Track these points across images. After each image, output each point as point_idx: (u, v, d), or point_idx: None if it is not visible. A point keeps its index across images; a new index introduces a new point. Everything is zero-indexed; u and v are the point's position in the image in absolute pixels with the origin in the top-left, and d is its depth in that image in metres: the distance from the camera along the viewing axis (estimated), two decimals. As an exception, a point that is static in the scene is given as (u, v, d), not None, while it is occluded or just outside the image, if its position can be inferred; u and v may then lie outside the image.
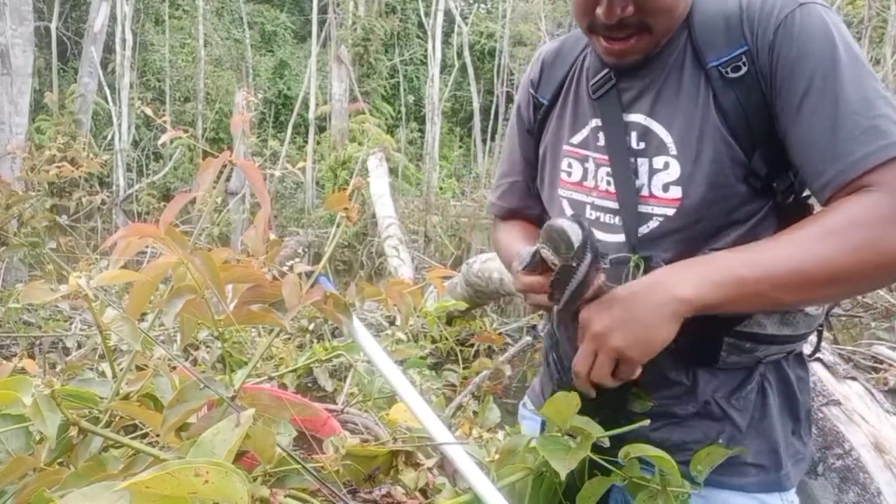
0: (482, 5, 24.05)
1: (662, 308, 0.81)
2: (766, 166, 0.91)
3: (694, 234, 0.94)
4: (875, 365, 3.44)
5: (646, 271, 0.92)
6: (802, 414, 1.05)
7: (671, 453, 0.83)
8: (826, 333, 1.11)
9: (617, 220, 0.99)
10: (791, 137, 0.88)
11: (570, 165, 1.07)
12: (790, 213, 0.93)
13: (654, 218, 0.96)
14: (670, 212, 0.94)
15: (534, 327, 4.46)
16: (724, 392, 0.98)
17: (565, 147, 1.08)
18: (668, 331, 0.82)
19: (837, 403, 2.27)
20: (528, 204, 1.22)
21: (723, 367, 0.97)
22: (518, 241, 1.14)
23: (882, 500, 2.00)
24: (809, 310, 0.94)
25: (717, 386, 0.98)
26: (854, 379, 2.46)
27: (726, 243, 0.92)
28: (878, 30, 12.62)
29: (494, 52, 20.40)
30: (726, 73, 0.91)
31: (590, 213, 1.03)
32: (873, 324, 5.70)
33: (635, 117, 0.99)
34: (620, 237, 0.98)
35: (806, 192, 0.96)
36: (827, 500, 2.04)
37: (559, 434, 0.84)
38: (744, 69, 0.90)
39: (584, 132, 1.06)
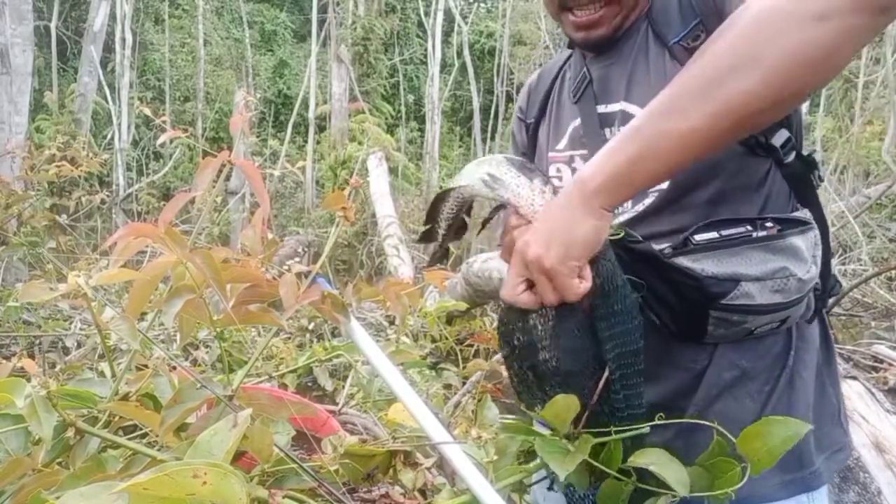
0: (482, 4, 24.05)
1: (574, 200, 0.76)
2: None
3: (697, 200, 0.94)
4: (875, 364, 3.44)
5: (631, 244, 0.87)
6: (840, 394, 1.01)
7: (687, 459, 0.77)
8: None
9: None
10: None
11: (558, 170, 1.10)
12: (796, 170, 0.95)
13: (650, 194, 0.96)
14: (663, 185, 0.95)
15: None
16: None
17: (550, 154, 1.12)
18: (588, 224, 0.76)
19: (837, 403, 2.26)
20: None
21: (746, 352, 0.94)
22: None
23: (882, 499, 2.00)
24: (800, 273, 0.89)
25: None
26: (854, 378, 2.46)
27: (735, 203, 0.93)
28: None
29: (494, 51, 20.38)
30: (688, 44, 0.96)
31: None
32: (873, 323, 5.70)
33: (613, 106, 1.02)
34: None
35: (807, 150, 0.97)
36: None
37: (557, 437, 0.84)
38: (703, 36, 0.94)
39: (567, 135, 1.09)
